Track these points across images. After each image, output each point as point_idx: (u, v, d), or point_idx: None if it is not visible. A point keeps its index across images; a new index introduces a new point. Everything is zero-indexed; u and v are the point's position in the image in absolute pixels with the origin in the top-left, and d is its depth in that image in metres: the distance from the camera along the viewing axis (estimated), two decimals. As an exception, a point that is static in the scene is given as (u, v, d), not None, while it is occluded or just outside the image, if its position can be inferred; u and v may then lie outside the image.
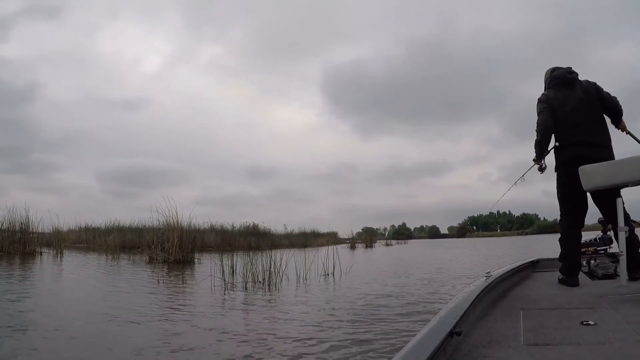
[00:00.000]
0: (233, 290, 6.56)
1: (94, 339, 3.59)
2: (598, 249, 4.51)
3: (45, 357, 3.12)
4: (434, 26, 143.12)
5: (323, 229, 36.41)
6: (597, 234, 4.51)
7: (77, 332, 3.84)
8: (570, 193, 3.66)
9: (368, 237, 37.32)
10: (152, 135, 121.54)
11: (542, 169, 4.01)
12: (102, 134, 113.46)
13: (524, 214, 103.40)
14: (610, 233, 4.29)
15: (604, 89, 3.75)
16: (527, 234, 78.31)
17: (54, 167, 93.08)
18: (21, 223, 13.81)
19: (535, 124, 3.83)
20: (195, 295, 6.15)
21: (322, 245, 29.66)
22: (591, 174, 3.31)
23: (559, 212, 3.84)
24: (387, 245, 38.35)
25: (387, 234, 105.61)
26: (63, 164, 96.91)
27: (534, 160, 4.00)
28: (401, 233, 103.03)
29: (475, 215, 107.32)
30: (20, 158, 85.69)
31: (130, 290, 6.64)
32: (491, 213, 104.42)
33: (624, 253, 3.18)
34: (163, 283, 7.12)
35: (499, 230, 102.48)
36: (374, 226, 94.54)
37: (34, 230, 14.44)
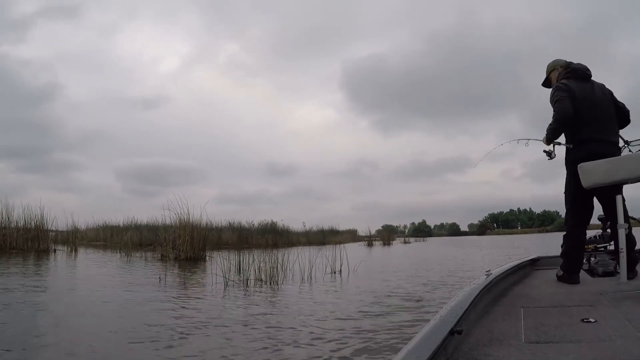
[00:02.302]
0: (233, 288, 6.52)
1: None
2: (598, 246, 4.47)
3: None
4: (454, 19, 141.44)
5: (343, 226, 36.57)
6: (597, 231, 4.46)
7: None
8: (583, 191, 3.50)
9: (386, 234, 37.34)
10: (171, 135, 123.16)
11: (551, 156, 3.86)
12: (121, 134, 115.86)
13: (544, 211, 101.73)
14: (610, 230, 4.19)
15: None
16: (547, 231, 76.78)
17: (74, 167, 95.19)
18: (36, 221, 14.00)
19: (553, 112, 3.60)
20: (190, 293, 6.12)
21: (340, 242, 29.58)
22: (590, 171, 3.25)
23: (566, 212, 3.71)
24: (405, 243, 38.19)
25: (407, 231, 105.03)
26: (83, 163, 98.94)
27: (543, 141, 3.85)
28: (421, 230, 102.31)
29: (496, 212, 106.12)
30: (40, 158, 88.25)
31: (129, 287, 6.68)
32: (511, 210, 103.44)
33: (624, 250, 3.13)
34: (165, 282, 7.08)
35: (519, 228, 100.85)
36: (394, 224, 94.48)
37: (49, 229, 14.65)
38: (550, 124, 3.66)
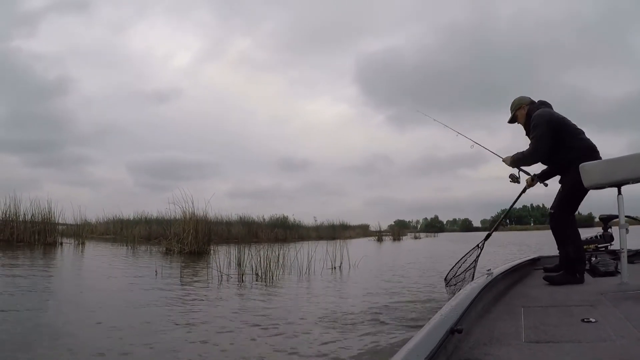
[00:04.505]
0: (227, 283, 6.46)
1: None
2: (599, 246, 4.49)
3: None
4: (470, 11, 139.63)
5: (356, 221, 36.66)
6: (598, 230, 4.43)
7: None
8: (582, 192, 3.58)
9: (396, 230, 37.25)
10: (184, 130, 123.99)
11: (517, 181, 4.18)
12: (134, 128, 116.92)
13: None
14: (611, 230, 4.43)
15: None
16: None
17: (87, 161, 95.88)
18: (43, 214, 14.07)
19: (532, 144, 3.78)
20: (183, 287, 6.05)
21: (351, 237, 29.66)
22: (591, 172, 3.25)
23: (561, 211, 3.72)
24: (415, 238, 38.02)
25: (419, 227, 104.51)
26: (96, 158, 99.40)
27: (507, 160, 4.07)
28: (433, 226, 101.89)
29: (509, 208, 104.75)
30: (53, 152, 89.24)
31: (123, 279, 6.72)
32: (524, 206, 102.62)
33: (625, 250, 3.15)
34: (162, 275, 7.06)
35: (532, 224, 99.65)
36: (407, 219, 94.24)
37: (57, 222, 14.72)
38: (525, 152, 3.83)
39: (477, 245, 4.92)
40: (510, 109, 4.07)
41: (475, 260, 4.84)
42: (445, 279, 4.98)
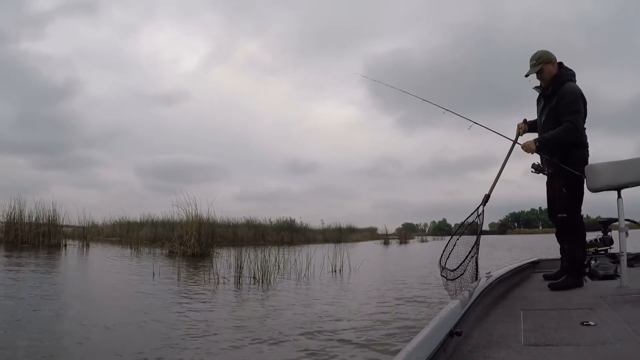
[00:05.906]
0: (223, 286, 6.40)
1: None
2: (599, 249, 4.40)
3: None
4: (478, 11, 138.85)
5: (363, 224, 36.56)
6: (598, 234, 4.44)
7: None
8: (582, 187, 3.41)
9: (402, 233, 37.15)
10: (192, 132, 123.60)
11: (545, 171, 3.62)
12: (142, 131, 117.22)
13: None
14: (611, 234, 4.32)
15: None
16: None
17: (94, 163, 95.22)
18: (48, 217, 14.14)
19: (570, 121, 3.36)
20: (178, 290, 6.04)
21: (358, 240, 29.55)
22: (598, 173, 3.14)
23: (570, 214, 3.50)
24: (422, 241, 37.89)
25: (427, 230, 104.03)
26: (104, 160, 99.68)
27: (528, 148, 3.51)
28: (441, 229, 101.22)
29: (517, 211, 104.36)
30: (61, 154, 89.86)
31: (120, 280, 6.77)
32: (533, 209, 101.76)
33: (624, 254, 3.09)
34: (159, 277, 7.04)
35: (540, 228, 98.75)
36: (415, 222, 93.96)
37: (62, 224, 14.78)
38: (559, 130, 3.36)
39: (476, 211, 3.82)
40: (534, 61, 3.55)
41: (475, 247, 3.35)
42: (439, 264, 3.35)
